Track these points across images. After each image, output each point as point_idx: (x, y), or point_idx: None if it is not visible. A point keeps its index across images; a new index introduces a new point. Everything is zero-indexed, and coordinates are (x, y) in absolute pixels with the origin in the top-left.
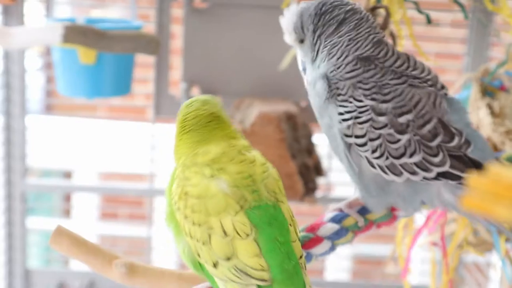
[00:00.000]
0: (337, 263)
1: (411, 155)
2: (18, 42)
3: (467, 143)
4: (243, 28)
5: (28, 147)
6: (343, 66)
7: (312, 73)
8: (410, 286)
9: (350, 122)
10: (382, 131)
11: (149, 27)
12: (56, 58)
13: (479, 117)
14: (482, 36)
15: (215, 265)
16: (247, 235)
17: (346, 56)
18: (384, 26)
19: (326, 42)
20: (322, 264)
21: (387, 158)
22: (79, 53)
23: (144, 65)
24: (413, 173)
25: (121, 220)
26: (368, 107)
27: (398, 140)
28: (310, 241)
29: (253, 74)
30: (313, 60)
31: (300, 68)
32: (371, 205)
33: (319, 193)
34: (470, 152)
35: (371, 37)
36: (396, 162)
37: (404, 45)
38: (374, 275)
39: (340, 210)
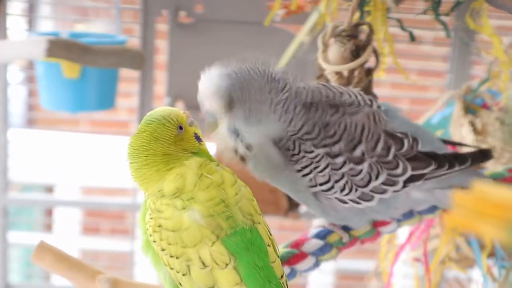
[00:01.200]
0: (320, 278)
1: (376, 177)
2: (1, 56)
3: (415, 140)
4: (227, 43)
5: (10, 161)
6: (287, 122)
7: (255, 136)
8: None
9: (311, 175)
10: (343, 170)
11: (134, 42)
12: (39, 72)
13: (462, 134)
14: (464, 54)
15: None
16: (226, 264)
17: (287, 110)
18: (367, 43)
19: (269, 98)
20: (305, 280)
21: (356, 190)
22: (63, 67)
23: (128, 79)
24: (383, 192)
25: (103, 235)
26: (322, 155)
27: (360, 171)
28: (295, 257)
29: None
30: (253, 123)
31: (230, 137)
32: (352, 225)
33: (303, 208)
34: (422, 148)
35: (293, 87)
36: (366, 190)
37: (386, 63)
38: None
39: (324, 226)
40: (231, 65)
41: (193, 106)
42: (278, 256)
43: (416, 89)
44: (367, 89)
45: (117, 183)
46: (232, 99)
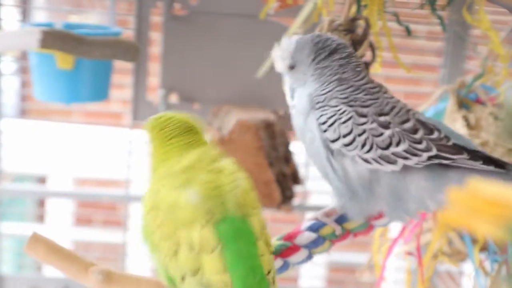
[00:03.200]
0: (312, 270)
1: (397, 144)
2: None
3: (447, 137)
4: (222, 36)
5: (2, 151)
6: (326, 84)
7: (298, 96)
8: None
9: (335, 125)
10: (365, 127)
11: (128, 34)
12: (33, 62)
13: (455, 128)
14: (458, 48)
15: (183, 279)
16: (213, 250)
17: (332, 77)
18: (364, 37)
19: (318, 65)
20: (297, 272)
21: (376, 150)
22: (57, 58)
23: (122, 70)
24: (406, 158)
25: (96, 226)
26: (346, 110)
27: (382, 134)
28: (288, 249)
29: (232, 82)
30: (301, 85)
31: (288, 95)
32: (352, 213)
33: (296, 201)
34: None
35: (357, 68)
36: (387, 152)
37: (382, 57)
38: (348, 283)
39: (317, 219)
40: (304, 34)
41: (187, 98)
42: (270, 253)
43: (410, 83)
44: None
45: (110, 174)
46: (292, 63)
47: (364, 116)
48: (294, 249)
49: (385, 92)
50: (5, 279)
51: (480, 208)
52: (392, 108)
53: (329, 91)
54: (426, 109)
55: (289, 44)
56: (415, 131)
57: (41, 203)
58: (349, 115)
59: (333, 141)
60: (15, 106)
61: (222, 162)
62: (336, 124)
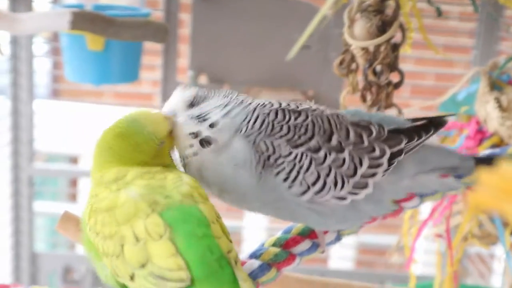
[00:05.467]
0: (341, 252)
1: (361, 164)
2: (26, 28)
3: (381, 125)
4: (251, 17)
5: (35, 131)
6: (253, 120)
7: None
8: (414, 276)
9: (300, 177)
10: (327, 162)
11: (157, 15)
12: (64, 44)
13: (487, 110)
14: (491, 29)
15: (131, 278)
16: (161, 236)
17: (247, 111)
18: (394, 18)
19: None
20: (326, 253)
21: (348, 181)
22: (87, 39)
23: (152, 52)
24: (373, 175)
25: None
26: (301, 153)
27: (344, 159)
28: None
29: (261, 63)
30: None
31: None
32: (349, 229)
33: None
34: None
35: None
36: (356, 178)
37: (412, 38)
38: (377, 264)
39: None
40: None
41: (216, 79)
42: (229, 239)
43: (442, 64)
44: (393, 65)
45: None
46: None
47: (318, 149)
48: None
49: (299, 104)
50: (39, 257)
51: (510, 189)
52: (328, 121)
53: (261, 131)
54: (458, 91)
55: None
56: (361, 137)
57: (73, 183)
58: (308, 158)
59: (302, 194)
60: (47, 87)
61: (170, 173)
62: (300, 176)
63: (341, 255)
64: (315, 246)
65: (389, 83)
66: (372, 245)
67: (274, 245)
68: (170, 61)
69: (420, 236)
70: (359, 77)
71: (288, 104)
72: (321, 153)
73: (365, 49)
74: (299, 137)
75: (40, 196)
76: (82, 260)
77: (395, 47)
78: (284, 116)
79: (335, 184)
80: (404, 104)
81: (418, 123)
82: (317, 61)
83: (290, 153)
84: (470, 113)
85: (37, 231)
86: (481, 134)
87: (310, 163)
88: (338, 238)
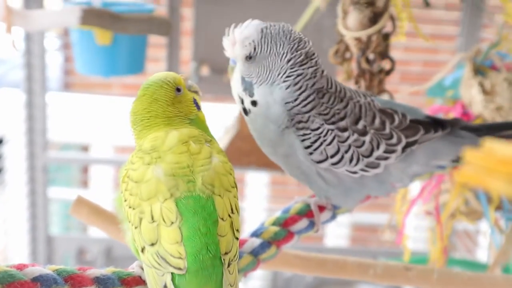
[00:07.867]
0: (336, 230)
1: (378, 147)
2: (38, 24)
3: (404, 116)
4: (251, 10)
5: (49, 122)
6: (301, 99)
7: (263, 95)
8: (408, 249)
9: (321, 147)
10: (349, 141)
11: (161, 10)
12: (74, 39)
13: (471, 94)
14: (475, 18)
15: (143, 250)
16: (172, 222)
17: (305, 90)
18: (384, 9)
19: (293, 70)
20: (323, 231)
21: (362, 160)
22: (96, 34)
23: (156, 45)
24: (386, 158)
25: None
26: (329, 130)
27: (364, 142)
28: (311, 211)
29: None
30: (265, 82)
31: (240, 86)
32: (346, 204)
33: None
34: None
35: (323, 73)
36: (371, 159)
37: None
38: (371, 241)
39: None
40: (270, 22)
41: (218, 70)
42: (236, 238)
43: (428, 52)
44: (384, 53)
45: None
46: (254, 52)
47: (345, 130)
48: (320, 209)
49: (345, 88)
50: (54, 240)
51: (495, 167)
52: (360, 108)
53: (310, 109)
54: (443, 77)
55: (252, 31)
56: (383, 124)
57: (85, 170)
58: (333, 135)
59: (320, 162)
60: (59, 80)
61: (199, 145)
62: (322, 147)
63: (336, 233)
64: (312, 224)
65: (381, 70)
66: (365, 223)
67: (273, 224)
68: (173, 53)
69: (410, 213)
70: (353, 65)
71: (345, 92)
72: (346, 134)
73: (358, 39)
74: (334, 116)
75: (54, 182)
76: (94, 242)
77: (386, 37)
78: (329, 99)
79: (351, 160)
80: (394, 89)
81: (438, 118)
82: None
83: (319, 128)
84: (455, 97)
85: (52, 216)
86: (466, 117)
87: (333, 138)
88: (334, 216)
